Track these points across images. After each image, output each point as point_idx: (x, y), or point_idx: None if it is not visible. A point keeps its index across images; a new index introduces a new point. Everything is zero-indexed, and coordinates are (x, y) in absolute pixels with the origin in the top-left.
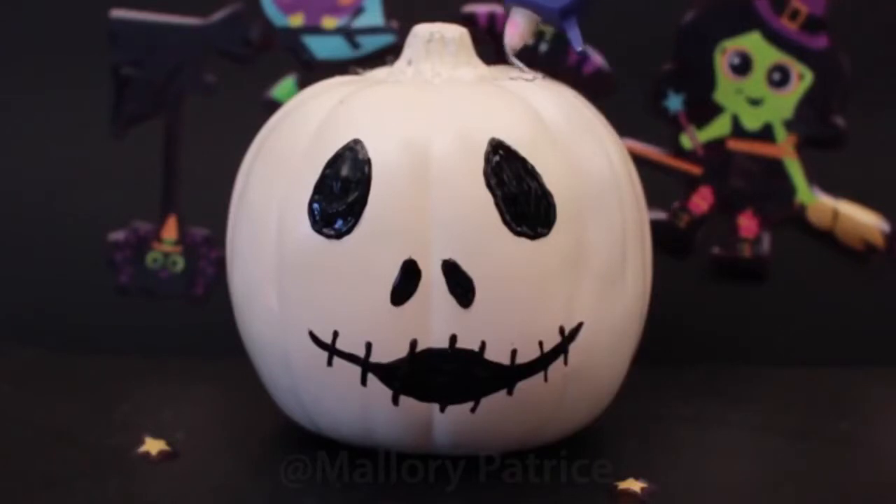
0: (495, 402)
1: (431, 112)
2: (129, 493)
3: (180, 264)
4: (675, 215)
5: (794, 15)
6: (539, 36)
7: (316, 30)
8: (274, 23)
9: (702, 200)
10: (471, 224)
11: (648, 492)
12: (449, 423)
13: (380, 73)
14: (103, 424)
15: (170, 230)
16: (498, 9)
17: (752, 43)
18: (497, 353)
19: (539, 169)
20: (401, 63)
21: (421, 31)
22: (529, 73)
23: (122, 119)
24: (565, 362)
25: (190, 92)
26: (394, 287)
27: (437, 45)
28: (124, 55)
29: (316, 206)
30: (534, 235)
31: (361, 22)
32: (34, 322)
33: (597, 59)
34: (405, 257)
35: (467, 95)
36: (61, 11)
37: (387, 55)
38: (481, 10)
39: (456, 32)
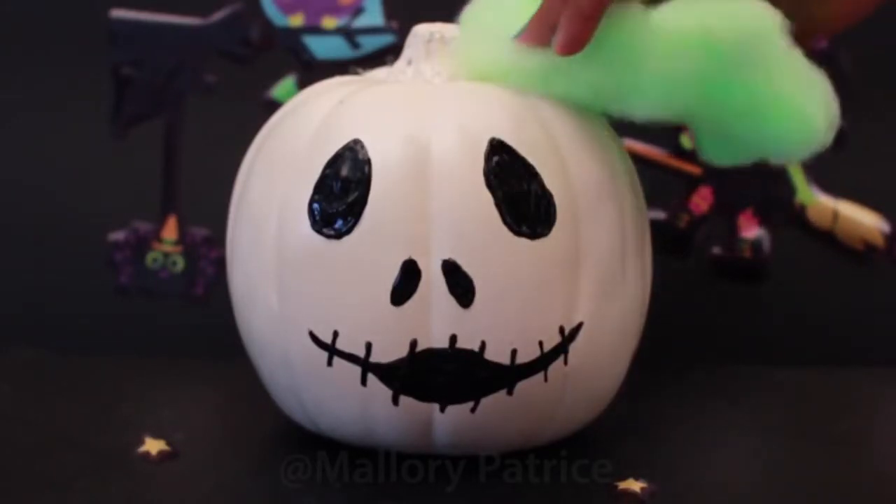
0: (495, 402)
1: (431, 112)
2: (129, 493)
3: (180, 264)
4: (675, 215)
5: None
6: None
7: (316, 30)
8: (274, 23)
9: (702, 200)
10: (471, 224)
11: (648, 492)
12: (449, 422)
13: (380, 73)
14: (103, 424)
15: (170, 230)
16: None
17: None
18: (497, 353)
19: (539, 169)
20: (401, 63)
21: (421, 31)
22: None
23: (122, 119)
24: (565, 362)
25: (190, 92)
26: (394, 287)
27: (438, 44)
28: (124, 55)
29: (316, 205)
30: (534, 235)
31: (361, 22)
32: (34, 322)
33: None
34: (405, 257)
35: (467, 95)
36: (61, 11)
37: (387, 55)
38: None
39: (456, 32)
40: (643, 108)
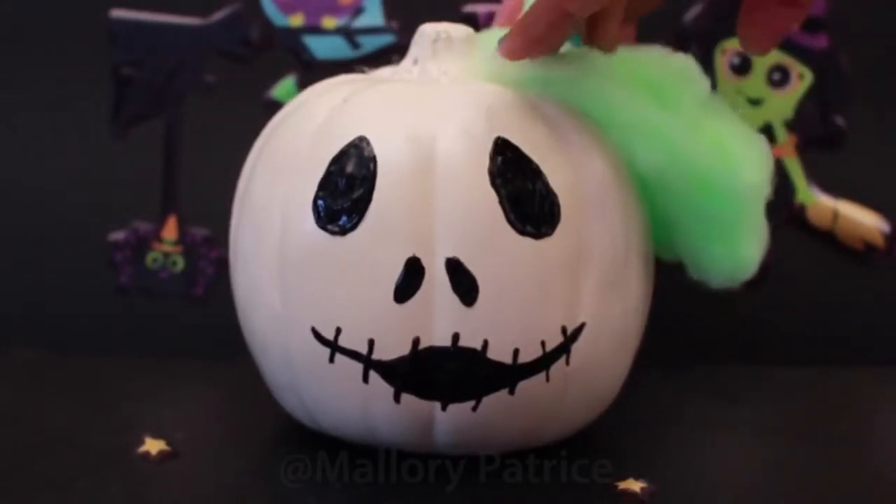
0: (497, 401)
1: (437, 110)
2: (129, 493)
3: (180, 264)
4: None
5: None
6: None
7: (316, 30)
8: (274, 23)
9: None
10: (475, 223)
11: (648, 492)
12: (450, 421)
13: (385, 71)
14: (103, 424)
15: (170, 230)
16: (498, 9)
17: None
18: (499, 352)
19: (543, 168)
20: (406, 62)
21: (427, 30)
22: None
23: (122, 119)
24: (567, 362)
25: (190, 92)
26: (397, 285)
27: (444, 44)
28: (124, 55)
29: (320, 202)
30: (538, 235)
31: (361, 22)
32: (34, 322)
33: None
34: (409, 255)
35: (473, 95)
36: (61, 11)
37: (387, 55)
38: (481, 10)
39: (462, 32)
40: (639, 151)
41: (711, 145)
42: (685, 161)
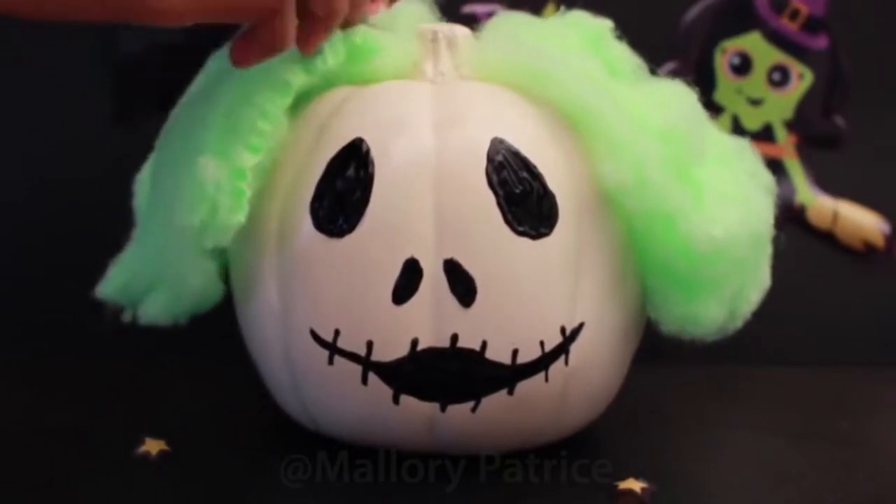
0: (496, 401)
1: (434, 111)
2: (129, 493)
3: None
4: None
5: (794, 15)
6: None
7: None
8: None
9: None
10: (473, 223)
11: (648, 492)
12: (450, 422)
13: None
14: (103, 424)
15: None
16: (498, 9)
17: (752, 43)
18: (498, 353)
19: (541, 169)
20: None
21: (425, 30)
22: None
23: (122, 118)
24: (566, 362)
25: None
26: (395, 286)
27: (441, 44)
28: (126, 53)
29: (318, 203)
30: (536, 235)
31: None
32: (34, 322)
33: None
34: (407, 256)
35: (470, 95)
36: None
37: None
38: (481, 10)
39: (460, 32)
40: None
41: (688, 186)
42: (653, 194)
